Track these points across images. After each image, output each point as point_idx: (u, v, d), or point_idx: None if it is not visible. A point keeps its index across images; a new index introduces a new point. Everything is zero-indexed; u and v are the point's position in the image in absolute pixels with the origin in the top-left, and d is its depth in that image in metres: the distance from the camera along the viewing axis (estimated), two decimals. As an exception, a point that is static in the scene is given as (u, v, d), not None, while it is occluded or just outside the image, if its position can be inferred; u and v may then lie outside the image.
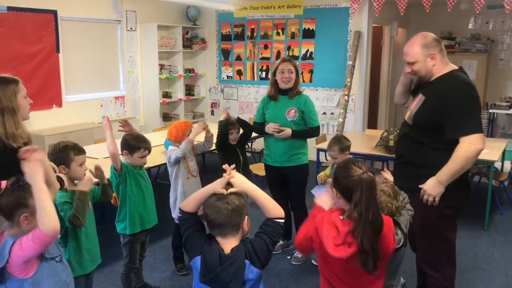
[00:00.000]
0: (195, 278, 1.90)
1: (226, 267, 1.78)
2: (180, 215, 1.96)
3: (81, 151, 2.70)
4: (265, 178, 4.25)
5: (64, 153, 2.60)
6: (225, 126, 3.92)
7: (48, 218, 1.73)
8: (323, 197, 2.13)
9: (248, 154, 7.27)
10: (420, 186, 2.66)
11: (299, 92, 3.91)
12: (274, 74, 3.89)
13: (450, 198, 2.61)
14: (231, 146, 3.97)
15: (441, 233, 2.71)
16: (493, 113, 7.17)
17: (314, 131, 3.97)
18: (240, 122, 4.04)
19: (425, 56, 2.64)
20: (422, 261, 2.87)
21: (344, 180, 1.94)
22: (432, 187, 2.60)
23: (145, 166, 4.06)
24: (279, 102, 3.90)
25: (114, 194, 3.30)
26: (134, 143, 3.19)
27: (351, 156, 3.92)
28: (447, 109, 2.54)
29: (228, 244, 1.84)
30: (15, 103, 2.32)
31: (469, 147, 2.51)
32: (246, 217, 1.88)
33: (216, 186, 1.89)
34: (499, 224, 4.86)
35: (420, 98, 2.72)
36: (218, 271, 1.78)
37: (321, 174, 4.01)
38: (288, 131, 3.80)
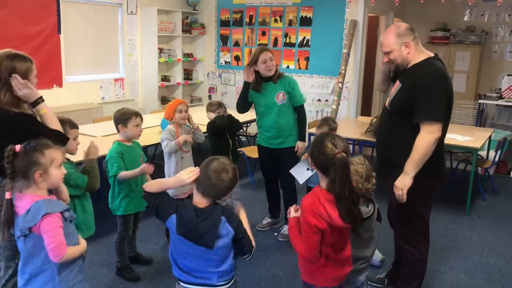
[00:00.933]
0: (171, 236, 2.10)
1: (203, 219, 1.99)
2: (143, 193, 2.14)
3: (75, 126, 2.90)
4: (258, 159, 4.44)
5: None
6: (217, 118, 4.08)
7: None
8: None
9: (243, 138, 7.46)
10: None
11: (281, 75, 4.05)
12: (254, 64, 3.91)
13: (424, 179, 2.78)
14: (221, 132, 4.10)
15: (416, 210, 2.89)
16: (483, 103, 7.33)
17: (302, 113, 4.15)
18: (230, 120, 4.17)
19: (399, 45, 2.77)
20: (398, 236, 3.06)
21: (320, 156, 2.08)
22: (401, 181, 2.73)
23: (142, 144, 4.29)
24: (266, 89, 4.01)
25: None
26: (125, 114, 3.37)
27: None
28: (415, 92, 2.69)
29: (204, 203, 2.04)
30: (28, 79, 2.52)
31: (427, 135, 2.66)
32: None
33: (179, 179, 2.07)
34: (480, 209, 5.06)
35: (397, 85, 2.87)
36: (196, 222, 1.98)
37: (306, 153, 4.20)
38: (302, 146, 4.02)
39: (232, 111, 4.38)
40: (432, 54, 2.86)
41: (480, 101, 7.30)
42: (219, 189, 2.03)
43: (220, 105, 4.16)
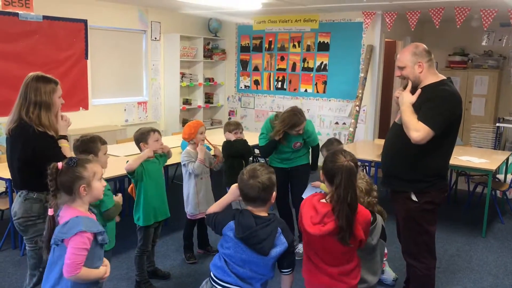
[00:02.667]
0: (226, 241, 2.23)
1: (264, 226, 2.16)
2: (206, 216, 2.34)
3: (105, 142, 3.08)
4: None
5: (93, 144, 2.96)
6: (230, 144, 4.29)
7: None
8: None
9: (262, 160, 7.59)
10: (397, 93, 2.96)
11: None
12: (288, 128, 4.01)
13: (429, 195, 2.87)
14: (236, 156, 4.25)
15: (422, 226, 2.96)
16: (502, 127, 7.33)
17: (316, 150, 4.41)
18: (244, 146, 4.33)
19: (413, 63, 2.88)
20: (405, 252, 3.11)
21: (329, 164, 2.27)
22: (400, 98, 2.91)
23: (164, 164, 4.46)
24: (286, 140, 4.18)
25: (132, 185, 3.67)
26: (143, 133, 3.58)
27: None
28: (424, 101, 2.79)
29: (259, 212, 2.21)
30: (51, 100, 2.77)
31: (414, 130, 2.72)
32: (274, 193, 2.23)
33: (234, 191, 2.27)
34: (497, 232, 5.04)
35: None
36: (257, 228, 2.14)
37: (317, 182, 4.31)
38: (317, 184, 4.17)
39: (250, 134, 4.55)
40: (444, 77, 2.95)
41: (498, 124, 7.30)
42: (256, 192, 2.17)
43: (238, 126, 4.34)
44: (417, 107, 2.83)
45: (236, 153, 4.23)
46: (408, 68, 2.91)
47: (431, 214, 2.97)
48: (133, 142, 4.08)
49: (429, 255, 3.04)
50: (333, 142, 4.06)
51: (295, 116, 4.02)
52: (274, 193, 2.24)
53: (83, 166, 2.18)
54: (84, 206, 2.20)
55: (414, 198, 2.90)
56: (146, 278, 3.65)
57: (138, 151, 3.74)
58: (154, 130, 3.61)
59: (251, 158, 7.44)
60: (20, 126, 2.71)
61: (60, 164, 2.17)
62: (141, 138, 3.58)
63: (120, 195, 2.98)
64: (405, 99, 2.87)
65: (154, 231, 3.66)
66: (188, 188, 4.02)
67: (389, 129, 3.18)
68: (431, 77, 2.91)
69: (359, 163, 6.18)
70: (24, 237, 2.81)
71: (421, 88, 2.92)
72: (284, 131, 4.06)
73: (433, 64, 2.94)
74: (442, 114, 2.76)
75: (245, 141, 4.35)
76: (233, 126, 4.32)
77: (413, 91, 2.90)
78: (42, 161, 2.33)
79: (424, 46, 2.98)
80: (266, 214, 2.22)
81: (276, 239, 2.16)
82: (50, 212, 2.16)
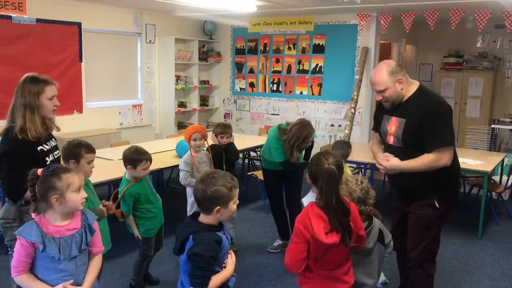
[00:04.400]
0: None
1: (181, 227, 2.15)
2: None
3: (92, 150, 2.95)
4: (264, 181, 4.58)
5: (77, 149, 2.87)
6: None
7: None
8: None
9: (258, 163, 7.58)
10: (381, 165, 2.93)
11: None
12: (300, 143, 4.03)
13: (449, 200, 2.92)
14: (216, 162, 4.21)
15: (433, 234, 2.97)
16: (496, 128, 7.34)
17: (310, 150, 4.40)
18: (230, 150, 4.32)
19: (393, 82, 2.82)
20: (410, 260, 3.04)
21: (313, 168, 2.28)
22: (393, 166, 2.87)
23: (158, 167, 4.46)
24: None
25: (119, 210, 3.49)
26: (136, 156, 3.39)
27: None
28: (426, 124, 2.77)
29: (202, 218, 2.14)
30: (37, 102, 2.72)
31: (434, 161, 2.74)
32: (218, 207, 2.05)
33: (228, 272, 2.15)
34: (493, 234, 5.04)
35: (399, 121, 2.88)
36: (179, 226, 2.16)
37: None
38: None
39: (246, 136, 4.52)
40: (417, 82, 2.94)
41: (493, 126, 7.31)
42: (199, 197, 2.08)
43: (225, 129, 4.27)
44: (416, 121, 2.79)
45: (215, 159, 4.20)
46: (390, 88, 2.84)
47: (443, 221, 3.01)
48: (128, 146, 4.00)
49: (432, 261, 3.05)
50: (342, 145, 4.14)
51: (305, 129, 4.01)
52: (221, 209, 2.06)
53: (58, 176, 2.09)
54: (55, 216, 2.12)
55: (436, 204, 2.89)
56: (141, 284, 3.62)
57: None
58: (147, 159, 3.44)
59: (246, 161, 7.44)
60: (7, 129, 2.72)
61: (39, 171, 2.13)
62: (130, 161, 3.40)
63: (106, 203, 2.96)
64: (397, 163, 2.86)
65: (157, 237, 3.65)
66: (191, 196, 3.99)
67: (388, 151, 3.02)
68: (410, 87, 2.89)
69: (354, 166, 6.21)
70: (6, 240, 2.77)
71: (405, 102, 2.87)
72: (297, 146, 4.04)
73: (407, 74, 2.91)
74: (450, 124, 2.80)
75: (226, 147, 4.27)
76: (220, 129, 4.28)
77: (394, 107, 2.90)
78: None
79: (393, 61, 2.97)
80: (209, 222, 2.11)
81: (187, 244, 2.07)
82: (33, 216, 2.15)
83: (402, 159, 2.87)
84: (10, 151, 2.68)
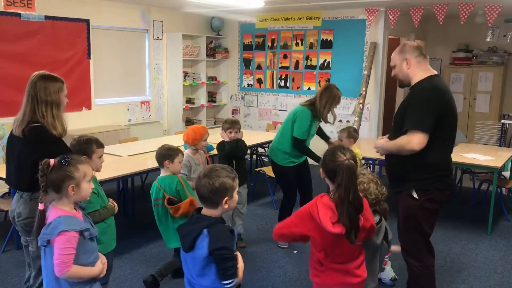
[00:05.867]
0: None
1: (190, 223, 2.13)
2: None
3: (101, 145, 3.00)
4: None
5: (88, 145, 2.92)
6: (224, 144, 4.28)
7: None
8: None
9: (266, 159, 7.58)
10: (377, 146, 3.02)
11: None
12: (336, 102, 4.29)
13: (429, 192, 2.84)
14: (227, 158, 4.19)
15: (420, 224, 2.93)
16: (507, 124, 7.27)
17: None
18: (233, 149, 4.27)
19: (401, 60, 2.92)
20: (403, 250, 3.06)
21: (329, 163, 2.24)
22: (378, 144, 3.00)
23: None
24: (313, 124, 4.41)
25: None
26: (172, 152, 3.45)
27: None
28: (408, 105, 2.82)
29: (208, 212, 2.13)
30: (60, 99, 2.80)
31: (405, 143, 2.75)
32: (227, 199, 2.08)
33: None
34: (503, 230, 5.00)
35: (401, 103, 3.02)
36: (187, 223, 2.16)
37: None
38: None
39: (253, 132, 4.52)
40: (434, 72, 2.92)
41: (503, 121, 7.25)
42: (205, 192, 2.08)
43: (233, 124, 4.25)
44: (405, 104, 2.89)
45: (226, 155, 4.19)
46: (397, 66, 2.96)
47: (430, 213, 2.92)
48: (137, 142, 4.03)
49: (427, 252, 3.01)
50: (351, 131, 4.41)
51: (336, 90, 4.26)
52: (228, 200, 2.09)
53: (74, 166, 2.17)
54: (69, 205, 2.19)
55: (414, 195, 2.87)
56: (159, 281, 3.58)
57: (142, 151, 3.70)
58: (180, 152, 3.51)
59: (254, 157, 7.44)
60: (36, 128, 2.70)
61: (52, 161, 2.17)
62: (167, 155, 3.45)
63: (114, 205, 2.97)
64: (383, 143, 2.95)
65: None
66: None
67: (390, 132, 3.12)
68: (421, 73, 2.88)
69: (363, 161, 6.20)
70: (28, 238, 2.79)
71: (411, 86, 2.92)
72: (332, 106, 4.26)
73: (422, 60, 2.90)
74: (426, 112, 2.74)
75: (237, 142, 4.25)
76: (228, 125, 4.25)
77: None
78: None
79: (414, 43, 2.99)
80: (216, 215, 2.11)
81: (198, 240, 2.05)
82: (41, 206, 2.17)
83: (392, 137, 2.93)
84: (57, 150, 2.65)
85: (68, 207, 2.19)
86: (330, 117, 4.30)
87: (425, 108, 2.74)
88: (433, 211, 2.93)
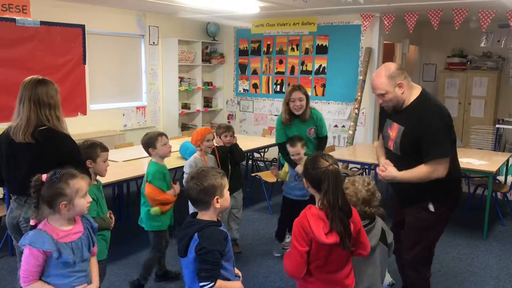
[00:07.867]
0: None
1: (184, 227, 2.13)
2: None
3: (106, 149, 3.01)
4: (273, 185, 4.56)
5: (92, 149, 2.91)
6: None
7: None
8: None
9: (261, 164, 7.58)
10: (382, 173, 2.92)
11: (310, 111, 4.31)
12: (287, 103, 4.23)
13: (443, 205, 2.86)
14: (222, 162, 4.19)
15: (431, 235, 2.93)
16: (501, 128, 7.31)
17: (324, 142, 4.53)
18: (235, 150, 4.30)
19: (393, 86, 2.76)
20: (404, 262, 3.04)
21: (313, 171, 2.18)
22: (389, 177, 2.87)
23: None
24: (298, 123, 4.30)
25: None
26: (151, 137, 3.54)
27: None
28: (422, 135, 2.72)
29: (201, 216, 2.14)
30: (59, 101, 2.80)
31: (428, 172, 2.71)
32: (217, 197, 2.10)
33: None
34: (498, 234, 5.01)
35: (399, 129, 2.86)
36: (181, 227, 2.15)
37: (280, 171, 4.39)
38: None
39: (249, 138, 4.51)
40: (420, 88, 2.87)
41: (498, 125, 7.29)
42: (195, 194, 2.10)
43: (227, 129, 4.26)
44: (413, 130, 2.77)
45: (221, 160, 4.18)
46: (390, 92, 2.79)
47: (445, 223, 2.95)
48: (132, 147, 4.04)
49: (428, 264, 3.03)
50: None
51: (293, 86, 4.26)
52: (219, 199, 2.10)
53: (65, 182, 2.06)
54: (62, 221, 2.10)
55: (431, 208, 2.85)
56: (143, 284, 3.60)
57: (137, 156, 3.73)
58: (162, 134, 3.59)
59: (250, 162, 7.44)
60: (48, 130, 2.67)
61: (44, 176, 2.09)
62: (149, 143, 3.55)
63: (111, 219, 2.94)
64: (393, 174, 2.85)
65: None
66: None
67: (388, 156, 3.04)
68: (411, 92, 2.83)
69: (358, 166, 6.20)
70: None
71: (406, 108, 2.83)
72: (288, 108, 4.22)
73: (409, 78, 2.85)
74: (448, 139, 2.73)
75: (232, 147, 4.25)
76: (222, 130, 4.25)
77: (396, 112, 2.88)
78: (73, 164, 2.30)
79: (394, 64, 2.88)
80: (209, 218, 2.12)
81: (190, 244, 2.05)
82: (32, 222, 2.10)
83: (399, 166, 2.85)
84: (77, 147, 2.79)
85: (59, 223, 2.10)
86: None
87: (446, 135, 2.72)
88: (447, 220, 2.96)
